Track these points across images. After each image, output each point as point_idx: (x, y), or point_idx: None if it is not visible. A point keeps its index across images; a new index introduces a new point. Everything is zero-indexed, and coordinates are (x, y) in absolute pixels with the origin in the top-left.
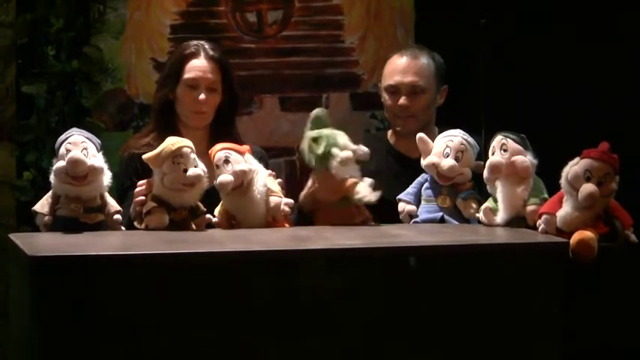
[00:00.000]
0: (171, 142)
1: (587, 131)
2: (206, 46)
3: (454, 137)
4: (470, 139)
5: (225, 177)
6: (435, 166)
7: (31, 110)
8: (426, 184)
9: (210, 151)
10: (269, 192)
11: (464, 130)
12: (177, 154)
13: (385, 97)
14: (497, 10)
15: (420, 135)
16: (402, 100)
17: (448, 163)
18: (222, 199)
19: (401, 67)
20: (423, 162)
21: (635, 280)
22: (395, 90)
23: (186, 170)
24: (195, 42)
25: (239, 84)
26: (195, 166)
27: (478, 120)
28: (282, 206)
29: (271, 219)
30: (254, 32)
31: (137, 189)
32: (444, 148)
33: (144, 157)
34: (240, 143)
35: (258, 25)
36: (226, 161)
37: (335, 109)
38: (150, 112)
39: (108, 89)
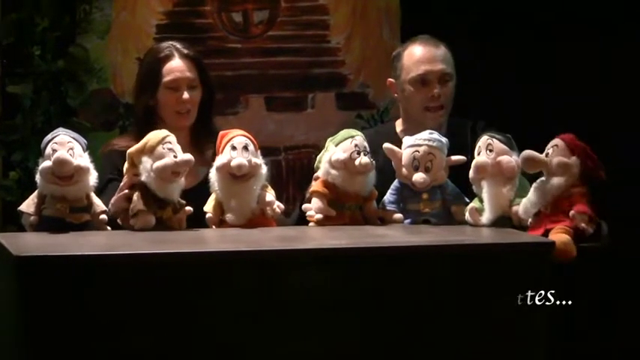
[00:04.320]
0: (157, 132)
1: (575, 131)
2: (178, 46)
3: (419, 147)
4: (436, 138)
5: (242, 160)
6: (407, 178)
7: (16, 110)
8: (405, 192)
9: (222, 134)
10: (264, 188)
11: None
12: (165, 141)
13: (410, 89)
14: (482, 9)
15: (387, 145)
16: (437, 90)
17: (419, 178)
18: (218, 184)
19: (428, 56)
20: (397, 174)
21: (616, 279)
22: (424, 80)
23: (176, 157)
24: (165, 44)
25: (225, 84)
26: None
27: (464, 119)
28: (275, 207)
29: (260, 212)
30: (240, 32)
31: (122, 184)
32: (412, 160)
33: (129, 150)
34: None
35: (244, 24)
36: (245, 148)
37: (321, 109)
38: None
39: (94, 89)
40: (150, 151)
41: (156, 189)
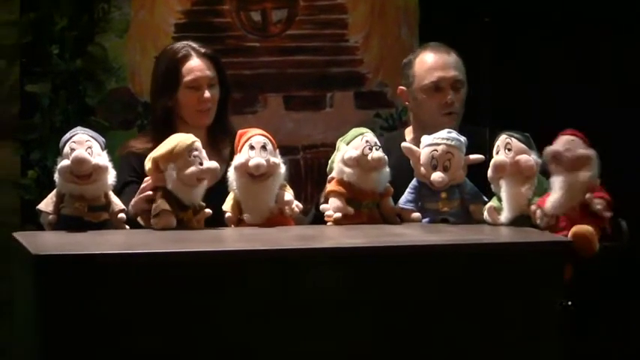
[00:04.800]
0: (183, 138)
1: (592, 131)
2: (194, 45)
3: (437, 146)
4: (455, 137)
5: (260, 160)
6: (426, 177)
7: (35, 109)
8: (423, 191)
9: (240, 132)
10: (282, 187)
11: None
12: (192, 149)
13: (422, 96)
14: (501, 8)
15: (405, 144)
16: (451, 96)
17: (437, 177)
18: (236, 184)
19: (441, 63)
20: (415, 173)
21: (637, 278)
22: (437, 86)
23: (201, 164)
24: (180, 44)
25: (244, 83)
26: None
27: (482, 119)
28: (294, 206)
29: (278, 211)
30: (258, 31)
31: (143, 185)
32: (430, 159)
33: (154, 155)
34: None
35: (263, 23)
36: (264, 147)
37: (339, 107)
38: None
39: (112, 88)
40: (176, 158)
41: (181, 196)
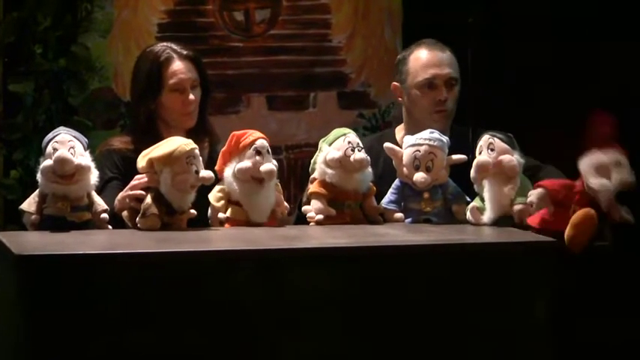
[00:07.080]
0: (183, 143)
1: (574, 130)
2: (175, 48)
3: (420, 147)
4: (437, 137)
5: (272, 167)
6: (408, 178)
7: (18, 109)
8: (406, 191)
9: (237, 134)
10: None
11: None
12: (190, 155)
13: (416, 93)
14: (485, 9)
15: (387, 145)
16: (445, 93)
17: (420, 177)
18: (238, 186)
19: (435, 60)
20: (398, 174)
21: (626, 278)
22: (431, 84)
23: (197, 172)
24: (160, 47)
25: (227, 83)
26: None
27: (466, 119)
28: (284, 207)
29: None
30: (242, 31)
31: (134, 182)
32: (412, 160)
33: (150, 155)
34: (218, 138)
35: (246, 23)
36: (268, 152)
37: (322, 108)
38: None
39: (95, 88)
40: (174, 162)
41: (171, 200)
